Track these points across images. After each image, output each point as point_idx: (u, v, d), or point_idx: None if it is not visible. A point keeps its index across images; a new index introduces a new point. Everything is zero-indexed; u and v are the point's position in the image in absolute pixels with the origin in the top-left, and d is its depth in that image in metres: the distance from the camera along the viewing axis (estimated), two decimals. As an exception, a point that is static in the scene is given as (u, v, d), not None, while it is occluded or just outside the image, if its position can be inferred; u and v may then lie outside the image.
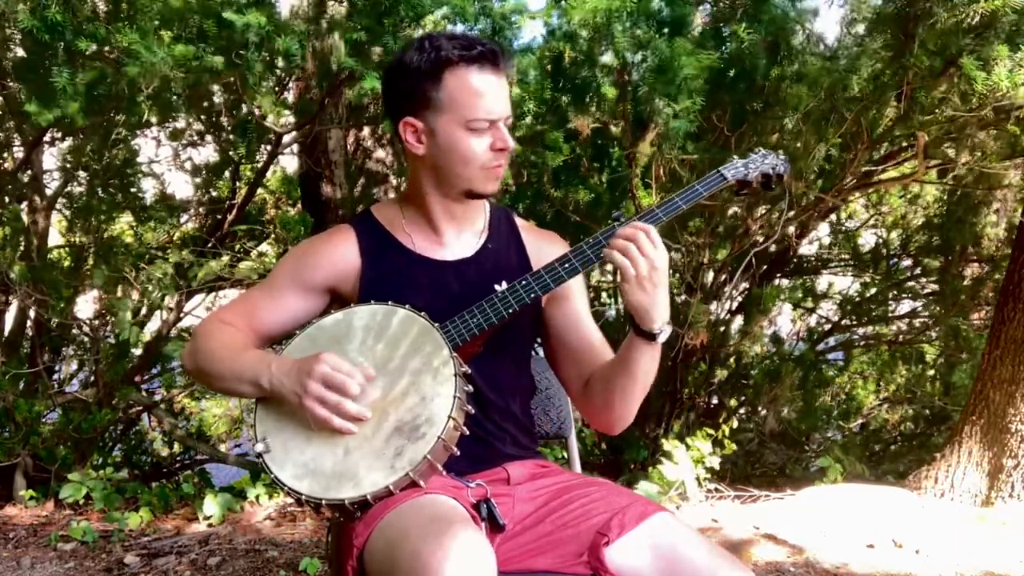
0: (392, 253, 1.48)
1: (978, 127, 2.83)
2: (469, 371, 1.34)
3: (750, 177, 1.45)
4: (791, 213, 3.24)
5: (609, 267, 4.29)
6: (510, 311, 1.36)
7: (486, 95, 1.36)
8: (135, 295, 3.51)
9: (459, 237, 1.50)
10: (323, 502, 1.26)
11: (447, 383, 1.29)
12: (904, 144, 3.19)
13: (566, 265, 1.36)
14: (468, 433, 1.31)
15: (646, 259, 1.26)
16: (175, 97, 3.00)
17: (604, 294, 4.40)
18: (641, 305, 1.28)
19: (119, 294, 3.51)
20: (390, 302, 1.39)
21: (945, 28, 2.49)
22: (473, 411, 1.33)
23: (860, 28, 2.87)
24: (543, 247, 1.54)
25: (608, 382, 1.40)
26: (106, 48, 2.55)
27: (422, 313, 1.36)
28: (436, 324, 1.35)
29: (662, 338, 1.32)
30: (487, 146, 1.38)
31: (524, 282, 1.37)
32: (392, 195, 4.75)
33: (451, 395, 1.28)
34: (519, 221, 1.60)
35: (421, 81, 1.37)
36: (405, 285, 1.44)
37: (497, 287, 1.41)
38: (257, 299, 1.51)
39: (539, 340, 1.59)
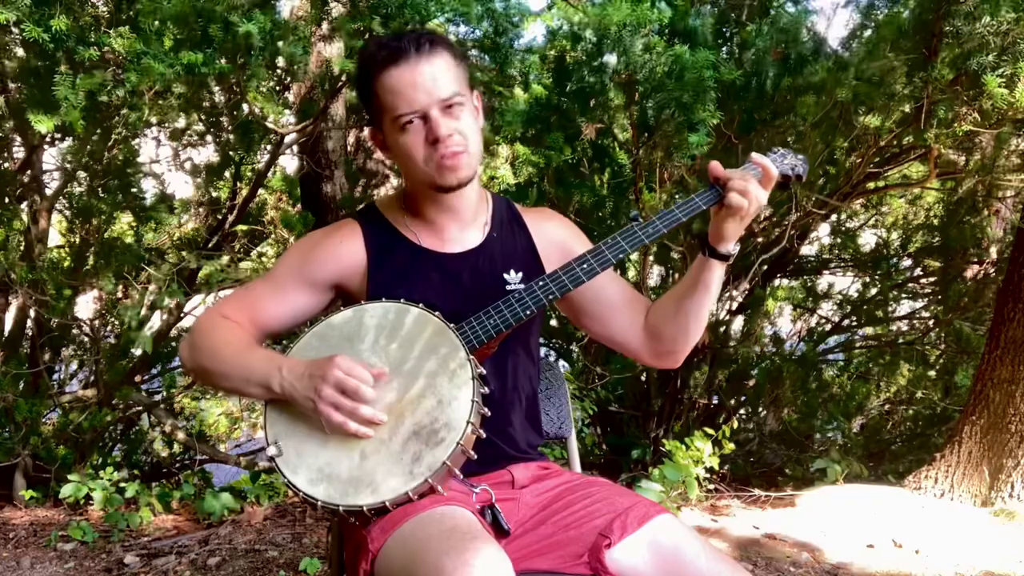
0: (398, 248, 1.46)
1: (991, 139, 2.83)
2: (484, 373, 1.32)
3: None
4: (794, 216, 3.24)
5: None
6: (528, 312, 1.35)
7: (402, 90, 1.34)
8: (136, 296, 3.50)
9: (462, 231, 1.49)
10: (340, 508, 1.24)
11: (465, 386, 1.27)
12: (907, 145, 3.18)
13: (584, 265, 1.37)
14: (484, 436, 1.30)
15: (757, 199, 1.35)
16: (176, 99, 2.98)
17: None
18: (730, 233, 1.39)
19: (119, 295, 3.51)
20: (402, 300, 1.36)
21: (972, 45, 2.50)
22: (489, 414, 1.32)
23: (867, 34, 2.86)
24: (544, 224, 1.57)
25: (680, 308, 1.45)
26: (106, 48, 2.53)
27: (436, 312, 1.33)
28: (451, 325, 1.32)
29: (731, 258, 1.43)
30: (422, 140, 1.36)
31: (542, 283, 1.37)
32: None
33: (469, 399, 1.26)
34: (518, 207, 1.60)
35: (362, 95, 1.42)
36: (415, 280, 1.43)
37: (506, 275, 1.42)
38: (260, 293, 1.48)
39: (551, 338, 1.60)
